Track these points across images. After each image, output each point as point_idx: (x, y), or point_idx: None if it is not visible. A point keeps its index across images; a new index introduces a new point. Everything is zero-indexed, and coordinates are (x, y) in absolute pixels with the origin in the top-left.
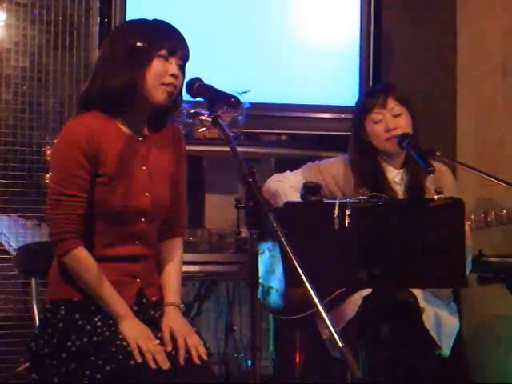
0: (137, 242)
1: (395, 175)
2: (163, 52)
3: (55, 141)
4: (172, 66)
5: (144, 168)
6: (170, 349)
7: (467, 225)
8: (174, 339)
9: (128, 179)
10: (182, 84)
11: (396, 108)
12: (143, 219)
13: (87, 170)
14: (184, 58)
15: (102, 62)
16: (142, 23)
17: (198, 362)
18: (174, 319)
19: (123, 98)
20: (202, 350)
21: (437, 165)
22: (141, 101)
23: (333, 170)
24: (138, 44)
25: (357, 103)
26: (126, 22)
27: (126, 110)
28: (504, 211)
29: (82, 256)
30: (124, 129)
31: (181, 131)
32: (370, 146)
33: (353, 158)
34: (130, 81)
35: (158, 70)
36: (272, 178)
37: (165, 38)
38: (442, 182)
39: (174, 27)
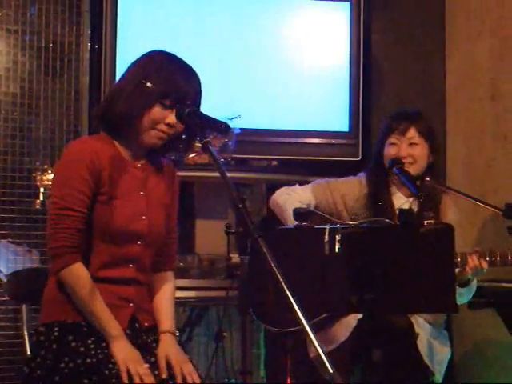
0: (131, 266)
1: (403, 203)
2: (167, 102)
3: (46, 166)
4: (171, 116)
5: (142, 193)
6: (165, 376)
7: (483, 257)
8: (169, 366)
9: (126, 201)
10: (183, 132)
11: (415, 138)
12: (139, 242)
13: (90, 186)
14: (193, 105)
15: (116, 85)
16: (164, 62)
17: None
18: (170, 347)
19: (120, 127)
20: (197, 378)
21: (447, 201)
22: (136, 134)
23: (343, 189)
24: (148, 84)
25: (383, 123)
26: (154, 53)
27: (125, 136)
28: (510, 255)
29: (79, 272)
30: (124, 154)
31: (173, 166)
32: (384, 170)
33: (368, 178)
34: (128, 115)
35: (156, 117)
36: (280, 190)
37: (175, 88)
38: (446, 216)
39: (192, 74)
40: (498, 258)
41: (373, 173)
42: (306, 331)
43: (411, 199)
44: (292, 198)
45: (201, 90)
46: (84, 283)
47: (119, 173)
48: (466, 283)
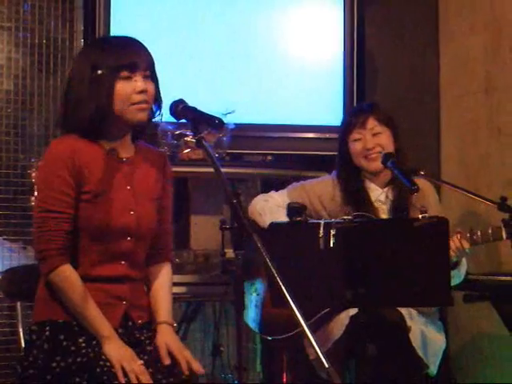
0: (122, 263)
1: (379, 194)
2: (124, 73)
3: (40, 162)
4: (138, 83)
5: (128, 188)
6: (168, 362)
7: (464, 237)
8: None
9: (112, 197)
10: (155, 92)
11: (376, 128)
12: (129, 238)
13: (72, 186)
14: (149, 66)
15: (71, 88)
16: (99, 46)
17: (202, 371)
18: (169, 336)
19: (96, 125)
20: (199, 367)
21: (420, 182)
22: (118, 124)
23: (318, 190)
24: (99, 72)
25: (342, 122)
26: (89, 44)
27: (104, 133)
28: (490, 229)
29: (67, 273)
30: (106, 149)
31: (166, 156)
32: (353, 165)
33: (338, 177)
34: (98, 109)
35: (124, 93)
36: (257, 197)
37: (122, 58)
38: (425, 199)
39: (129, 40)
40: (479, 234)
41: (343, 173)
42: (305, 332)
43: (386, 189)
44: (270, 204)
45: (149, 53)
46: (73, 285)
47: (103, 169)
48: (453, 266)
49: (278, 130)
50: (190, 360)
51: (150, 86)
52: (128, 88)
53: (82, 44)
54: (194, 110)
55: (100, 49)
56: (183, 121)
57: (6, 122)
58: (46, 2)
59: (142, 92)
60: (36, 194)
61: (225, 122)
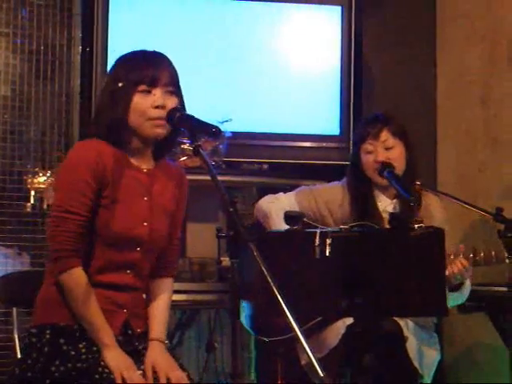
0: (128, 272)
1: (388, 205)
2: (142, 87)
3: (37, 169)
4: (156, 98)
5: (145, 199)
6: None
7: (463, 259)
8: (156, 375)
9: (128, 206)
10: (178, 107)
11: (389, 141)
12: (138, 248)
13: (93, 189)
14: (171, 81)
15: (98, 96)
16: (126, 57)
17: None
18: (157, 355)
19: (114, 135)
20: None
21: (429, 198)
22: (134, 136)
23: (326, 195)
24: (119, 84)
25: (355, 130)
26: (118, 58)
27: (123, 143)
28: (493, 252)
29: (79, 276)
30: (128, 157)
31: (184, 172)
32: (364, 174)
33: (348, 184)
34: (114, 120)
35: (141, 107)
36: (265, 198)
37: (141, 72)
38: (431, 216)
39: (153, 55)
40: (482, 256)
41: (353, 181)
42: (298, 337)
43: (395, 201)
44: (276, 206)
45: (174, 68)
46: (82, 288)
47: (123, 175)
48: (457, 287)
49: (275, 138)
50: (178, 380)
51: (170, 102)
52: (145, 102)
53: (80, 50)
54: (191, 118)
55: (125, 62)
56: (180, 129)
57: (3, 128)
58: (43, 8)
59: (158, 107)
60: (54, 193)
61: (222, 130)
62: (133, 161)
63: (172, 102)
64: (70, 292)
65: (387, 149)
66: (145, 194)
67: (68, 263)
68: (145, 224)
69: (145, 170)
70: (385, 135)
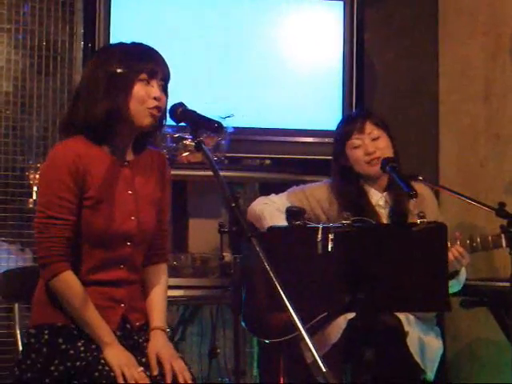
0: (122, 267)
1: (379, 198)
2: (143, 76)
3: (39, 165)
4: (154, 89)
5: (130, 192)
6: (155, 373)
7: (459, 246)
8: (160, 364)
9: (114, 203)
10: (166, 104)
11: (374, 132)
12: (129, 243)
13: (74, 192)
14: (165, 78)
15: (84, 89)
16: (120, 48)
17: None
18: (160, 344)
19: (108, 126)
20: (188, 376)
21: (419, 187)
22: (126, 126)
23: (317, 194)
24: (118, 70)
25: (336, 130)
26: (105, 47)
27: (110, 136)
28: (489, 237)
29: (69, 280)
30: (108, 153)
31: (165, 157)
32: (351, 171)
33: (335, 184)
34: (113, 108)
35: (141, 95)
36: (257, 200)
37: (143, 62)
38: (424, 205)
39: (152, 49)
40: (479, 242)
41: (341, 180)
42: (302, 335)
43: (385, 193)
44: (269, 207)
45: (168, 68)
46: (74, 291)
47: (105, 174)
48: (454, 274)
49: (277, 134)
50: (179, 370)
51: (163, 97)
52: (145, 91)
53: (82, 46)
54: (194, 113)
55: (120, 51)
56: (182, 124)
57: (5, 124)
58: (45, 3)
59: (156, 99)
60: (37, 197)
61: (224, 125)
62: (112, 155)
63: (164, 98)
64: (62, 296)
65: (373, 140)
66: (128, 187)
67: (55, 269)
68: (132, 218)
69: (125, 163)
70: (369, 127)
